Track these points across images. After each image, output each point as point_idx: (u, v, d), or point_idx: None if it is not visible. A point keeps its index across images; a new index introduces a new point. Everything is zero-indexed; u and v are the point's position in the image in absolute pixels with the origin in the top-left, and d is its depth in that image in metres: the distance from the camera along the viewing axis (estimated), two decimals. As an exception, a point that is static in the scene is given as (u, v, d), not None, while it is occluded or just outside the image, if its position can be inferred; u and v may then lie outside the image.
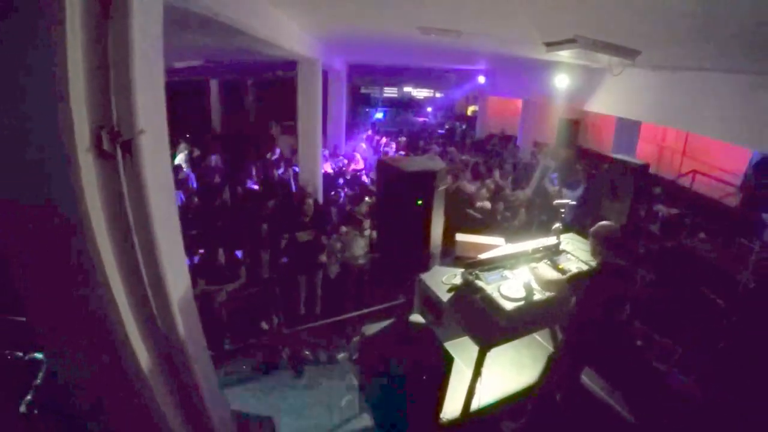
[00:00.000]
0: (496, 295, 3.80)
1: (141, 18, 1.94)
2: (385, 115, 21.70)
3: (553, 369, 4.12)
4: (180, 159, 11.49)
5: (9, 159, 1.87)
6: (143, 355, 2.25)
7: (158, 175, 2.19)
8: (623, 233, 5.44)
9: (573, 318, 3.75)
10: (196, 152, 12.28)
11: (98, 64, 1.87)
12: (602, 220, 4.03)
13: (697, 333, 5.74)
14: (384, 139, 14.81)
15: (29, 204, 1.93)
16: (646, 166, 5.66)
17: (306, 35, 7.25)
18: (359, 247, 6.95)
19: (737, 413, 4.61)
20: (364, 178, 10.50)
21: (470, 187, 8.71)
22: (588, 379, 4.78)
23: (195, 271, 6.29)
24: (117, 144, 1.95)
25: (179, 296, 2.39)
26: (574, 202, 5.49)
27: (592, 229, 3.83)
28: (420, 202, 3.49)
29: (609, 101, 8.21)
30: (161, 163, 2.32)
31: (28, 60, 1.74)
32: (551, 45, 5.28)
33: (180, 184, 8.60)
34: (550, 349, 5.35)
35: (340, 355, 5.77)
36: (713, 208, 10.12)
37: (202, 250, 6.30)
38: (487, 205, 8.01)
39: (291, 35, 6.24)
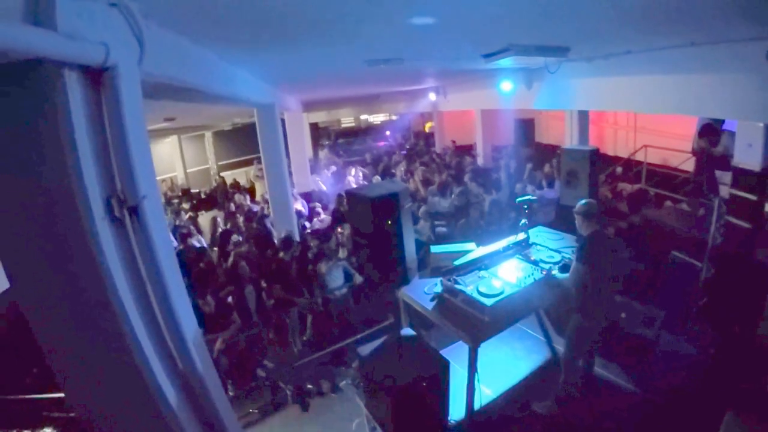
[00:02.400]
0: (475, 295, 4.03)
1: (127, 97, 2.19)
2: (343, 146, 22.01)
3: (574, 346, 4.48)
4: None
5: (35, 239, 2.12)
6: (170, 392, 2.44)
7: (159, 232, 2.43)
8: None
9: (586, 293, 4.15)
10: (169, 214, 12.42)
11: (101, 144, 2.13)
12: (562, 209, 4.40)
13: (677, 294, 6.02)
14: (353, 170, 14.78)
15: (59, 272, 2.17)
16: (595, 151, 6.00)
17: (260, 83, 7.53)
18: (337, 279, 7.17)
19: (731, 359, 4.90)
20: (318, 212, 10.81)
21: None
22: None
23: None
24: (125, 210, 2.21)
25: (191, 336, 2.59)
26: (534, 197, 5.77)
27: (574, 210, 4.34)
28: (389, 222, 3.72)
29: (552, 97, 8.58)
30: (160, 222, 2.56)
31: (44, 151, 1.99)
32: (489, 56, 5.63)
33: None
34: (541, 338, 5.61)
35: (343, 382, 5.88)
36: (672, 176, 10.60)
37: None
38: None
39: (246, 87, 6.52)
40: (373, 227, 3.77)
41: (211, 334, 6.04)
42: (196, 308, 6.25)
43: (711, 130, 7.82)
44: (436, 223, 8.51)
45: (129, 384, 2.34)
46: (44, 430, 4.59)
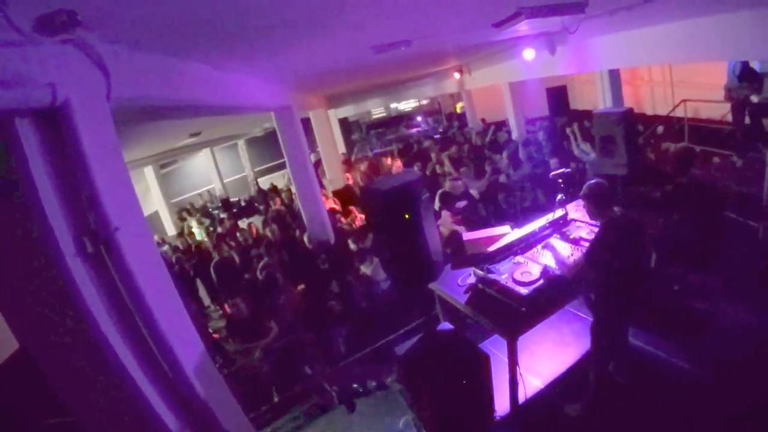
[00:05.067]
0: (510, 284, 3.79)
1: (88, 130, 2.15)
2: (375, 137, 21.85)
3: (596, 339, 4.05)
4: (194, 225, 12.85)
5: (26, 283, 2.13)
6: (171, 421, 2.41)
7: (144, 258, 2.42)
8: (627, 182, 5.37)
9: (598, 282, 3.76)
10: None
11: (67, 182, 2.12)
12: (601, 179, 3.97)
13: (734, 259, 5.59)
14: (389, 159, 14.52)
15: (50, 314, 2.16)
16: (628, 112, 5.55)
17: (271, 87, 7.41)
18: (381, 273, 7.02)
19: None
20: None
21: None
22: (636, 339, 4.70)
23: (227, 333, 6.43)
24: (100, 244, 2.18)
25: (192, 360, 2.56)
26: (563, 170, 5.32)
27: (580, 194, 3.88)
28: (407, 215, 3.50)
29: (578, 59, 8.13)
30: (144, 247, 2.55)
31: (14, 198, 2.03)
32: (499, 25, 5.29)
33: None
34: (590, 319, 5.29)
35: (389, 379, 5.75)
36: (717, 130, 9.94)
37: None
38: None
39: (254, 93, 6.39)
40: (391, 222, 3.55)
41: (248, 343, 6.02)
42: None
43: (751, 75, 7.22)
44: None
45: (130, 415, 2.33)
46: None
